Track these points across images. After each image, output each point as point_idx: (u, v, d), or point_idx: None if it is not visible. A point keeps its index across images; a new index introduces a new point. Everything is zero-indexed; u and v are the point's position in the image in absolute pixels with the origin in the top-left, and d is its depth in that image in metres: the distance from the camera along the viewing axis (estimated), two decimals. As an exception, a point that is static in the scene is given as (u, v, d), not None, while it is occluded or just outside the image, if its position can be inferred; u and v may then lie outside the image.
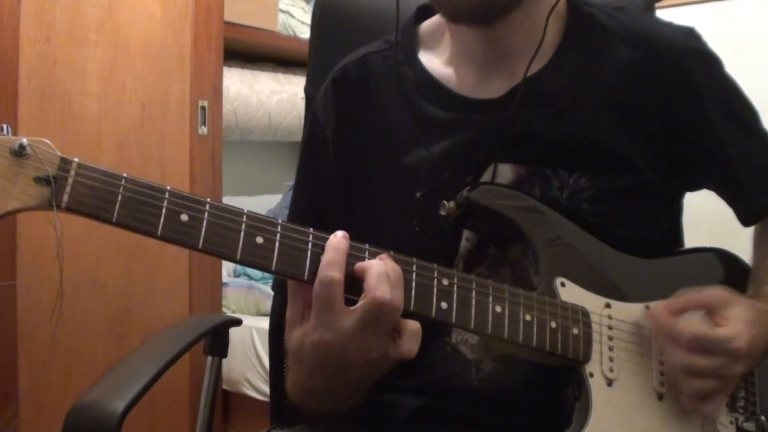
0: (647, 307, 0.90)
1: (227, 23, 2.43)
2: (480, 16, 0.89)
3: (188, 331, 1.22)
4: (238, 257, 0.72)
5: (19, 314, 2.17)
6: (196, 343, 1.20)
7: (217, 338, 1.25)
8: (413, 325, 0.76)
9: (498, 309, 0.81)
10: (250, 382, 2.55)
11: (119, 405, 0.91)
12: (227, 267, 2.79)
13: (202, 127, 2.30)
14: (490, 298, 0.81)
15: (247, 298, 2.73)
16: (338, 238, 0.74)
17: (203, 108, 2.30)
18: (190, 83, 2.25)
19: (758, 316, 0.88)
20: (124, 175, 0.70)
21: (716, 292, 0.88)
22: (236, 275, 2.84)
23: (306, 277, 0.74)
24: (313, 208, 1.03)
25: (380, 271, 0.73)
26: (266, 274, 2.73)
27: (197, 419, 1.26)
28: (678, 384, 0.86)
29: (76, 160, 0.69)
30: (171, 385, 2.18)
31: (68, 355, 2.14)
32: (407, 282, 0.77)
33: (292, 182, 1.12)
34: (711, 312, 0.87)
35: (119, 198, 0.69)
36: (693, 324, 0.85)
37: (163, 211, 0.70)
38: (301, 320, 0.77)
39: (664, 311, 0.86)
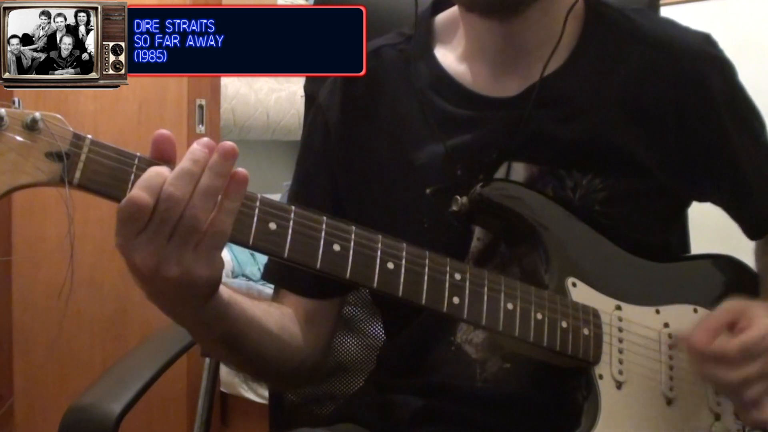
0: (657, 312, 0.90)
1: (226, 21, 2.42)
2: (497, 7, 0.89)
3: (186, 333, 1.20)
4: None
5: (14, 315, 2.16)
6: (194, 344, 1.19)
7: (215, 339, 1.24)
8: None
9: (510, 306, 0.81)
10: (248, 385, 2.53)
11: (116, 407, 0.92)
12: (225, 268, 2.77)
13: (200, 125, 2.29)
14: (502, 295, 0.81)
15: (245, 299, 2.71)
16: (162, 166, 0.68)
17: (201, 106, 2.28)
18: (188, 81, 2.24)
19: None
20: (138, 154, 0.69)
21: (730, 305, 0.87)
22: (234, 276, 2.83)
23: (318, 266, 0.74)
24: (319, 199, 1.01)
25: (146, 176, 0.66)
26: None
27: (195, 422, 1.27)
28: (732, 403, 0.86)
29: (90, 136, 0.68)
30: (168, 387, 2.17)
31: (64, 356, 2.13)
32: (419, 275, 0.77)
33: (290, 182, 1.10)
34: (732, 325, 0.85)
35: (132, 177, 0.68)
36: (732, 339, 0.83)
37: None
38: None
39: (701, 341, 0.84)
